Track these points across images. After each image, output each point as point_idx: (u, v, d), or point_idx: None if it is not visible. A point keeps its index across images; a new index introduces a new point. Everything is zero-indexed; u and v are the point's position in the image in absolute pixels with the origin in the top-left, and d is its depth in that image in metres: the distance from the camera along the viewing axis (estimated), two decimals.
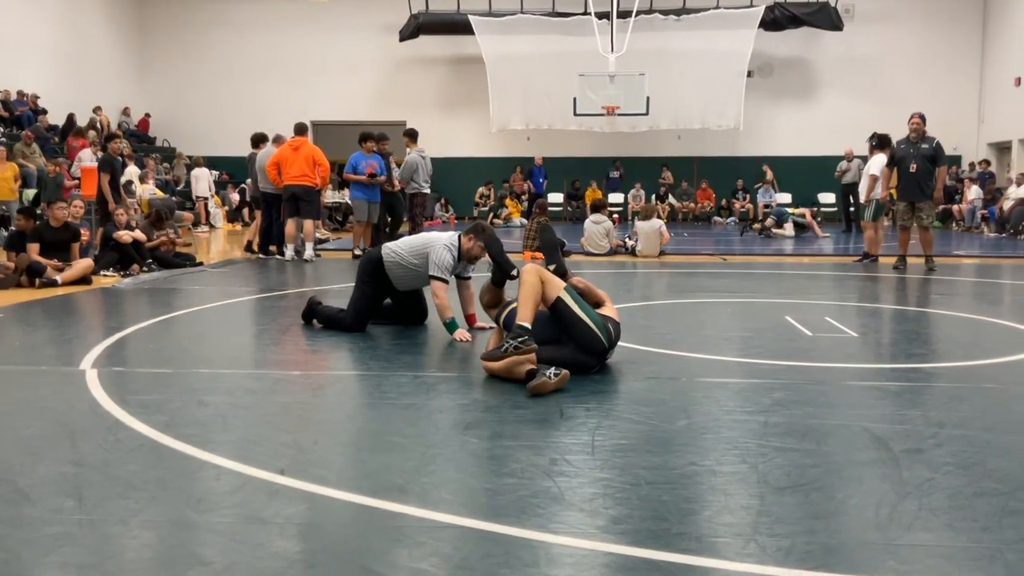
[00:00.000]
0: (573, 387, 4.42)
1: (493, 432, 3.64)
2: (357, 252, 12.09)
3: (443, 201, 22.61)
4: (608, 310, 4.90)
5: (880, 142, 11.85)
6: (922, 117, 10.74)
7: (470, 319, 6.12)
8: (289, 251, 11.73)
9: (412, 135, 12.55)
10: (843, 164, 17.99)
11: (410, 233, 12.09)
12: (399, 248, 6.10)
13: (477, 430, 3.67)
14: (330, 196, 18.55)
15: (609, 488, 2.96)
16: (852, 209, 17.65)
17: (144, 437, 3.52)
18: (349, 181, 12.19)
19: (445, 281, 5.88)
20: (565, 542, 2.51)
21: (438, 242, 5.95)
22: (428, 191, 12.38)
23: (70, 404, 4.09)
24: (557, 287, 4.58)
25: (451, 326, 5.79)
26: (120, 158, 12.20)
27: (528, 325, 4.39)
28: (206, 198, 19.65)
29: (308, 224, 11.90)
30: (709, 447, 3.45)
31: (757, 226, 16.84)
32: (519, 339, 4.33)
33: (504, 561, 2.38)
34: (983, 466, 3.20)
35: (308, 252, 11.70)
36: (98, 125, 19.60)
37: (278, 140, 12.52)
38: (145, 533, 2.59)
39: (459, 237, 5.97)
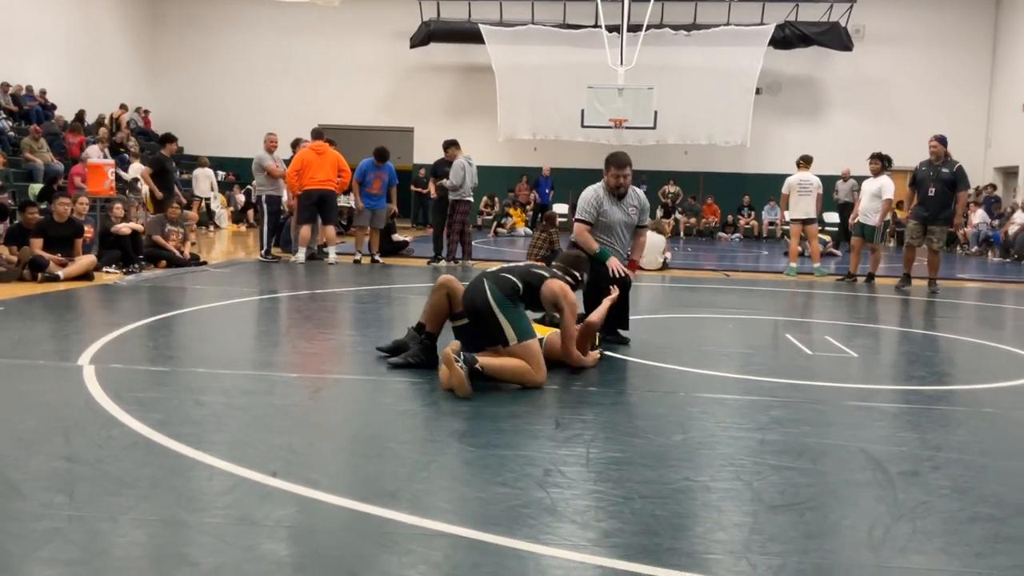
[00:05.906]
0: (569, 398, 4.42)
1: (488, 441, 3.63)
2: (358, 257, 12.08)
3: None
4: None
5: (883, 163, 11.75)
6: (940, 140, 10.43)
7: (631, 264, 6.18)
8: (301, 254, 11.66)
9: (455, 144, 12.27)
10: (838, 183, 18.03)
11: (448, 241, 11.95)
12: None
13: (472, 438, 3.66)
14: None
15: (602, 501, 2.95)
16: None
17: (138, 435, 3.52)
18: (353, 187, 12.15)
19: (587, 223, 5.98)
20: (556, 554, 2.50)
21: (584, 193, 6.09)
22: (471, 199, 12.09)
23: (66, 399, 4.09)
24: (536, 351, 4.65)
25: (603, 254, 5.87)
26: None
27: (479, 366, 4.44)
28: (207, 199, 19.46)
29: (330, 229, 11.91)
30: (704, 463, 3.43)
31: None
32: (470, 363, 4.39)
33: (494, 571, 2.37)
34: (979, 491, 3.19)
35: (332, 256, 11.70)
36: (106, 122, 19.62)
37: (297, 144, 12.52)
38: (134, 531, 2.58)
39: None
